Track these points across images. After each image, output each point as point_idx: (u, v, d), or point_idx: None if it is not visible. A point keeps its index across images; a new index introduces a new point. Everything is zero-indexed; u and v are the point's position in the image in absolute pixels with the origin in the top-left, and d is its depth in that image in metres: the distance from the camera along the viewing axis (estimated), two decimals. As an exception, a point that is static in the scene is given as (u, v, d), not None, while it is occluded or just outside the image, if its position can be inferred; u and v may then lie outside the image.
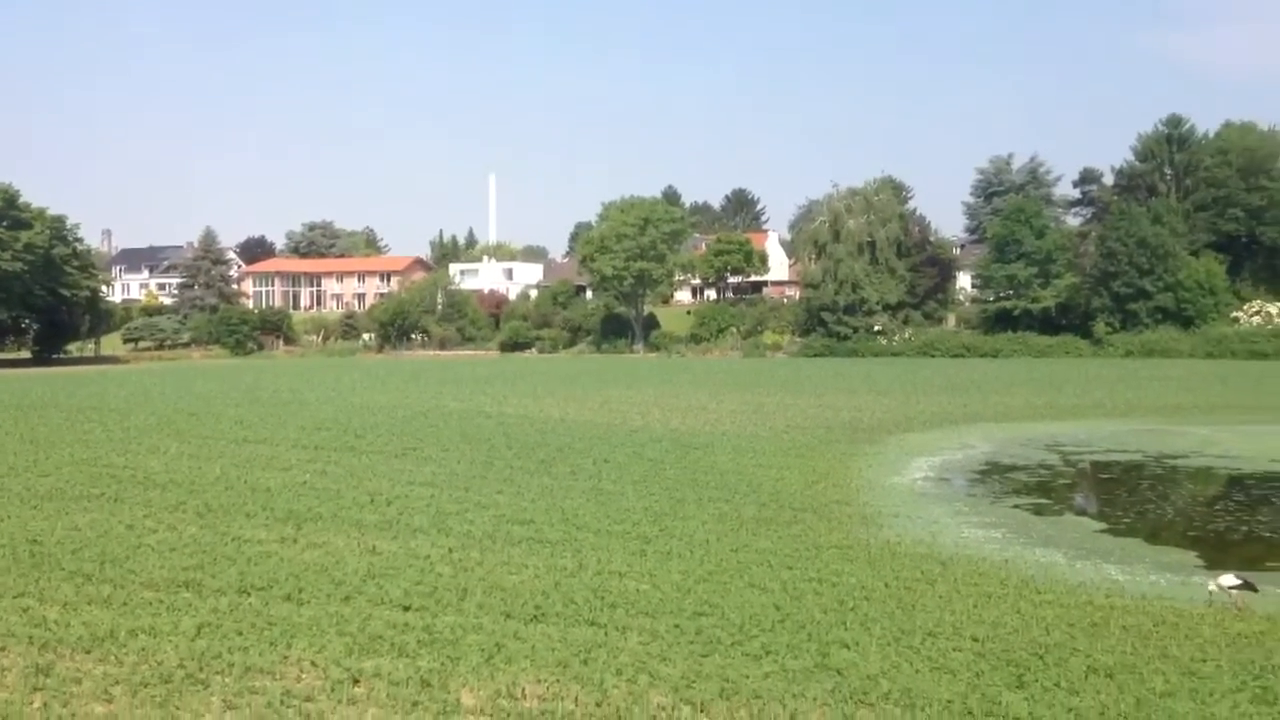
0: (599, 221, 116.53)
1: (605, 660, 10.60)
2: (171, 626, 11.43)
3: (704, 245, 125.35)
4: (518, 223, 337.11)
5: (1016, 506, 22.35)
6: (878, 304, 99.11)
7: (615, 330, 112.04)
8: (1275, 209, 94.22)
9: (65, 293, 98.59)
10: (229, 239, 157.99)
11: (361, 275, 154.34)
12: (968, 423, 38.04)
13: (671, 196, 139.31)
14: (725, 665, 10.58)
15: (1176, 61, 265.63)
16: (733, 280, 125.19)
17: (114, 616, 11.79)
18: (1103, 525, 20.49)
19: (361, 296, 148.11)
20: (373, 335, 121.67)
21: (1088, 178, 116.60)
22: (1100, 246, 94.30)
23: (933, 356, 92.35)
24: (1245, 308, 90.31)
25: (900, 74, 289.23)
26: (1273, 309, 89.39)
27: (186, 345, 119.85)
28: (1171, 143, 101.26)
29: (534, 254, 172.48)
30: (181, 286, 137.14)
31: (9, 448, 26.21)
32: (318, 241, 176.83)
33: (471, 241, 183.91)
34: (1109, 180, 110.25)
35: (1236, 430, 35.40)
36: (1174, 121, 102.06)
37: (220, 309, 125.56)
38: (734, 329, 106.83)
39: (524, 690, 9.74)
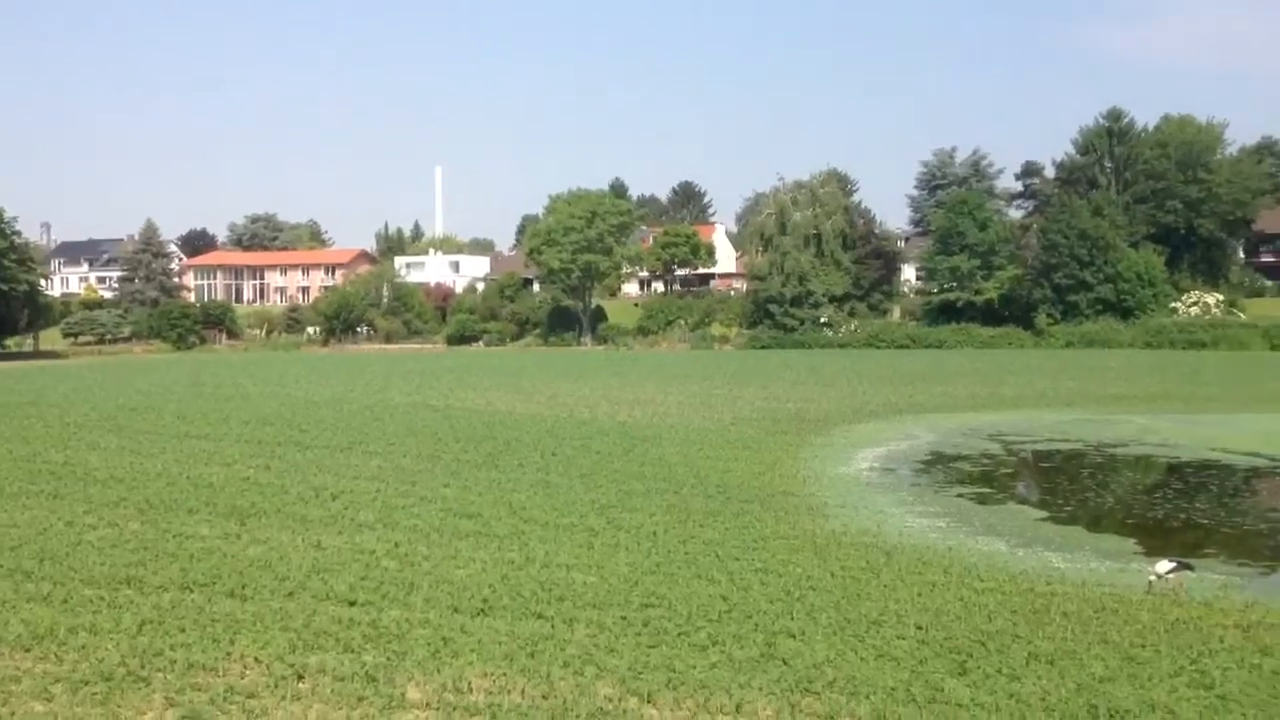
0: (546, 214, 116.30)
1: (552, 653, 10.61)
2: (113, 624, 11.30)
3: (651, 238, 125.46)
4: (464, 215, 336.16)
5: (960, 496, 22.57)
6: (824, 296, 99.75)
7: (563, 323, 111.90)
8: (1213, 201, 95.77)
9: (3, 287, 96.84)
10: (170, 231, 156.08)
11: (306, 268, 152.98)
12: (913, 413, 38.36)
13: (619, 189, 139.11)
14: (672, 656, 10.63)
15: (1117, 55, 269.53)
16: (680, 273, 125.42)
17: (54, 614, 11.64)
18: (1044, 514, 20.74)
19: (306, 290, 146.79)
20: (317, 329, 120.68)
21: (1029, 171, 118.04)
22: (1042, 239, 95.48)
23: (878, 348, 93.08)
24: (1183, 298, 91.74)
25: (845, 67, 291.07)
26: (1210, 300, 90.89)
27: (127, 339, 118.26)
28: (1111, 136, 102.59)
29: (481, 247, 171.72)
30: (122, 280, 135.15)
31: (-56, 445, 25.72)
32: (261, 234, 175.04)
33: (418, 234, 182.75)
34: (1050, 173, 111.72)
35: (1175, 419, 35.98)
36: (1114, 115, 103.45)
37: (161, 303, 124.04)
38: (681, 321, 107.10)
39: (470, 684, 9.73)
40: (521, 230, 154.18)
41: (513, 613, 12.12)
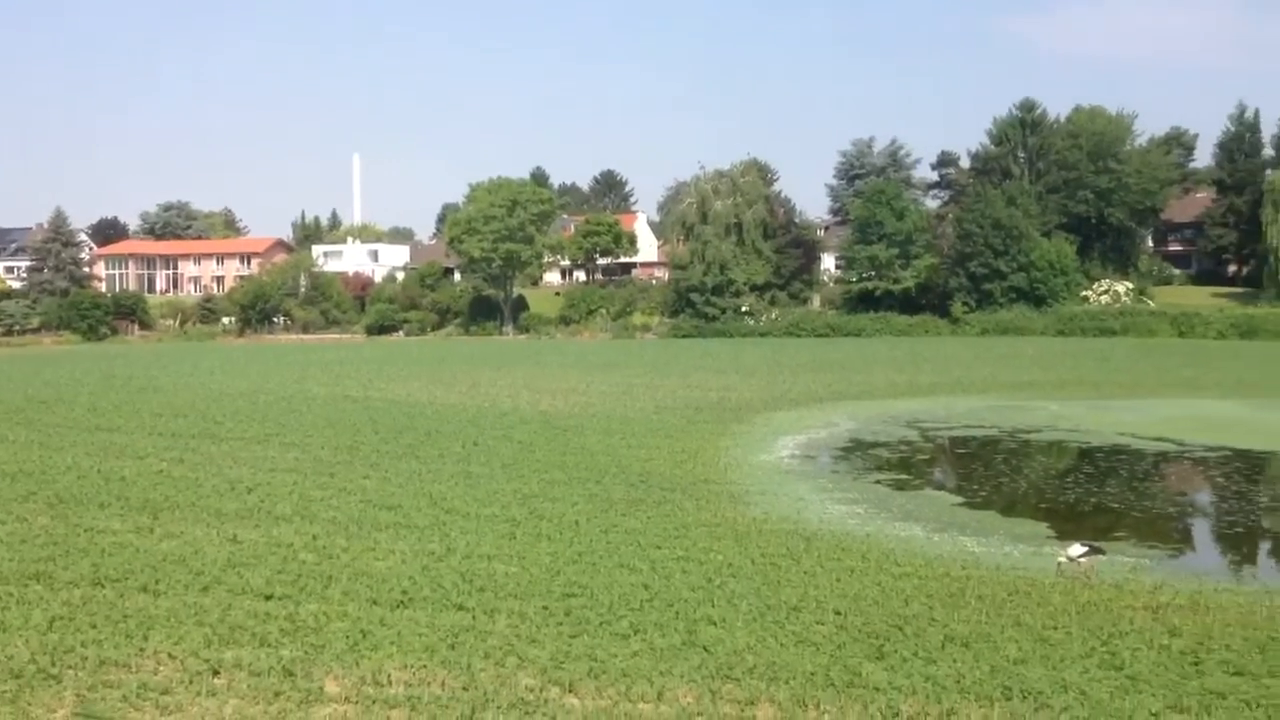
0: (466, 203, 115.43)
1: (473, 644, 10.56)
2: (22, 620, 11.04)
3: (573, 227, 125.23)
4: (383, 204, 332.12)
5: (878, 482, 22.88)
6: (745, 285, 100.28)
7: (484, 312, 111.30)
8: (1122, 191, 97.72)
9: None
10: (80, 220, 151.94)
11: (220, 257, 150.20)
12: (832, 401, 38.77)
13: (540, 178, 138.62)
14: (594, 645, 10.64)
15: (1030, 47, 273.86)
16: (602, 262, 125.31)
17: (-41, 612, 11.34)
18: (960, 499, 21.11)
19: (220, 279, 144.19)
20: (233, 319, 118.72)
21: (945, 161, 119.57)
22: (957, 228, 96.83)
23: (799, 336, 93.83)
24: (1094, 287, 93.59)
25: (764, 57, 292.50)
26: (1120, 288, 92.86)
27: (36, 330, 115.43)
28: (1024, 127, 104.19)
29: (400, 236, 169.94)
30: (30, 270, 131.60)
31: None
32: (173, 223, 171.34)
33: (335, 223, 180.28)
34: (965, 163, 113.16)
35: (1086, 405, 36.78)
36: (1027, 106, 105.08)
37: (71, 293, 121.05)
38: (603, 310, 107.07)
39: (390, 676, 9.66)
40: (442, 219, 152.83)
41: (433, 604, 12.05)
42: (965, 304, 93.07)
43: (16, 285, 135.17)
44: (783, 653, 10.51)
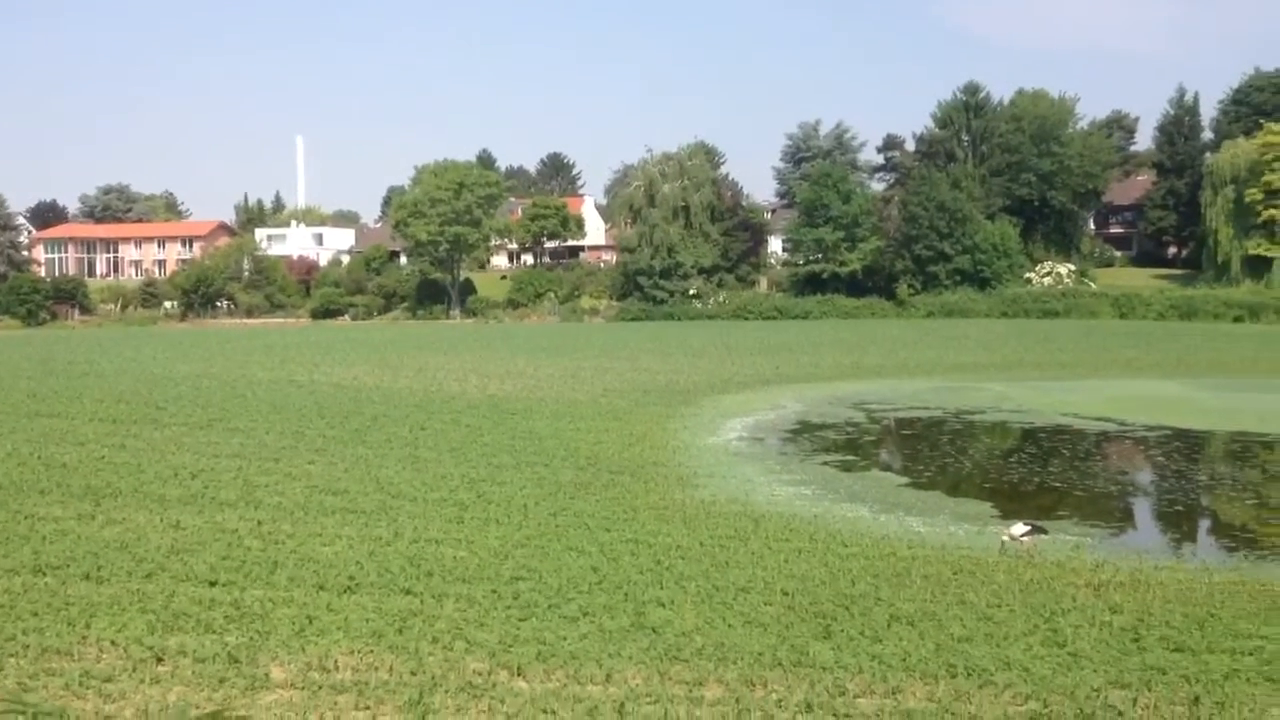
0: (412, 186, 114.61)
1: (421, 628, 10.53)
2: (-41, 611, 10.85)
3: (520, 210, 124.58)
4: (328, 187, 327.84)
5: (826, 464, 23.03)
6: (692, 268, 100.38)
7: (431, 296, 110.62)
8: (1064, 174, 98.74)
9: None
10: (18, 203, 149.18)
11: (162, 241, 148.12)
12: (780, 383, 38.95)
13: (486, 160, 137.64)
14: (542, 628, 10.64)
15: (974, 31, 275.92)
16: (549, 245, 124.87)
17: (-106, 603, 11.13)
18: (906, 480, 21.29)
19: (162, 263, 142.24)
20: (175, 303, 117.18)
21: (890, 144, 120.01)
22: (903, 211, 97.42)
23: (746, 319, 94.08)
24: (1037, 269, 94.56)
25: (711, 40, 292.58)
26: (1062, 270, 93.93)
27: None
28: (969, 110, 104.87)
29: (345, 219, 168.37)
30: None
31: None
32: (114, 206, 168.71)
33: (279, 206, 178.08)
34: (910, 146, 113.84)
35: (1029, 386, 37.24)
36: (971, 89, 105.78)
37: (10, 277, 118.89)
38: (551, 294, 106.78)
39: (337, 662, 9.61)
40: (387, 202, 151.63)
41: (380, 589, 11.98)
42: (911, 286, 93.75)
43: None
44: (731, 633, 10.57)
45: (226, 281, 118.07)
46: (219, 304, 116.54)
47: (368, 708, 8.68)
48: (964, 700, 8.97)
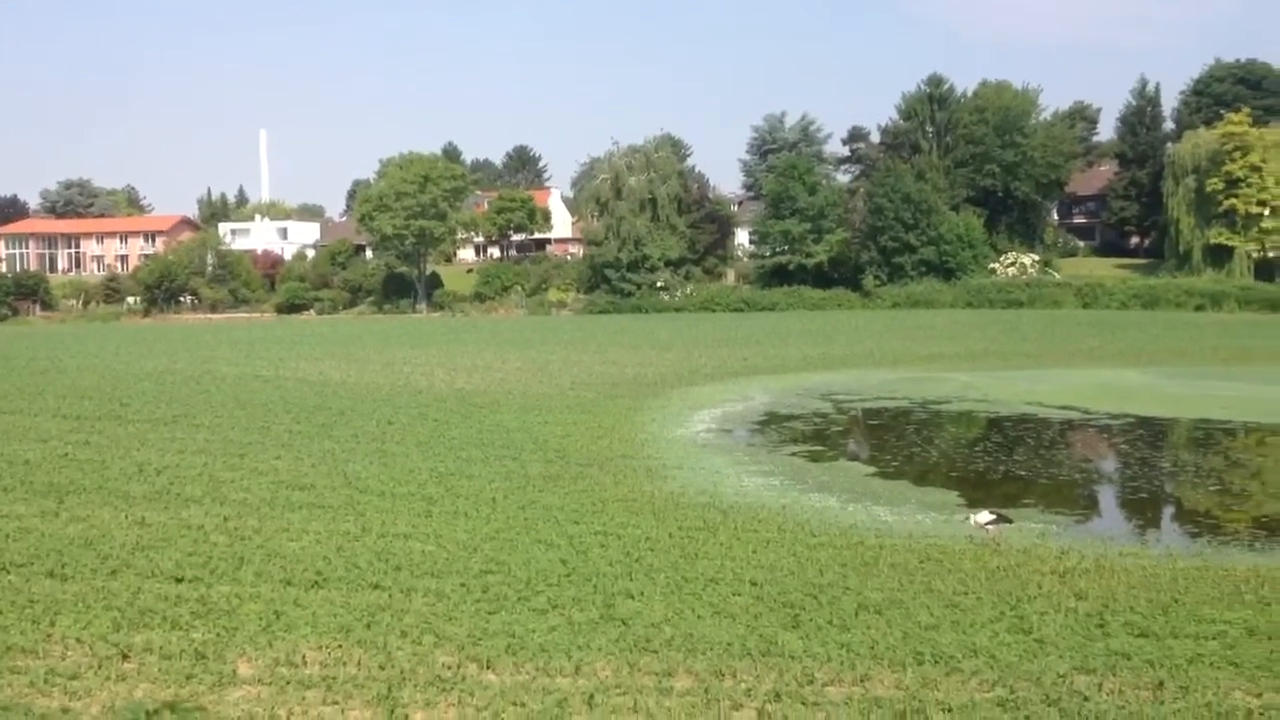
0: (377, 179, 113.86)
1: (389, 623, 10.49)
2: (-80, 610, 10.73)
3: (486, 203, 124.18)
4: (292, 180, 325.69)
5: (793, 454, 23.09)
6: (660, 260, 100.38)
7: (397, 290, 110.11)
8: (1028, 165, 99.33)
9: None
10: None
11: (124, 236, 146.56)
12: (747, 375, 39.03)
13: (452, 153, 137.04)
14: (512, 621, 10.61)
15: (938, 22, 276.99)
16: (516, 238, 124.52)
17: None
18: (873, 469, 21.38)
19: (124, 258, 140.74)
20: (138, 299, 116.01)
21: (856, 136, 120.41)
22: (868, 203, 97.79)
23: (713, 311, 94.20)
24: (1001, 259, 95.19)
25: (677, 31, 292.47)
26: (1026, 260, 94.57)
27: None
28: (933, 102, 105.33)
29: (310, 213, 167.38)
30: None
31: None
32: (75, 201, 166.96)
33: (242, 200, 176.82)
34: (876, 138, 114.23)
35: (994, 375, 37.48)
36: (935, 81, 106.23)
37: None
38: (518, 287, 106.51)
39: (304, 657, 9.56)
40: (352, 195, 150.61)
41: (348, 584, 11.93)
42: (877, 277, 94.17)
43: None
44: (700, 624, 10.59)
45: (190, 276, 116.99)
46: (183, 299, 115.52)
47: (336, 703, 8.64)
48: (931, 687, 9.02)
